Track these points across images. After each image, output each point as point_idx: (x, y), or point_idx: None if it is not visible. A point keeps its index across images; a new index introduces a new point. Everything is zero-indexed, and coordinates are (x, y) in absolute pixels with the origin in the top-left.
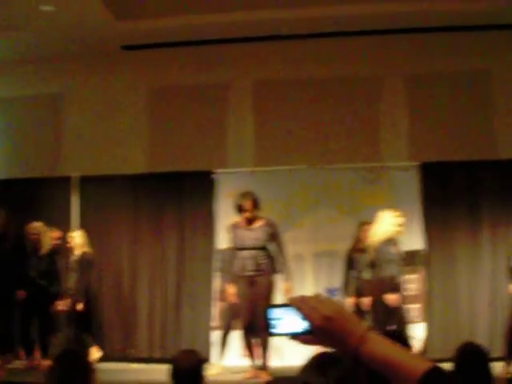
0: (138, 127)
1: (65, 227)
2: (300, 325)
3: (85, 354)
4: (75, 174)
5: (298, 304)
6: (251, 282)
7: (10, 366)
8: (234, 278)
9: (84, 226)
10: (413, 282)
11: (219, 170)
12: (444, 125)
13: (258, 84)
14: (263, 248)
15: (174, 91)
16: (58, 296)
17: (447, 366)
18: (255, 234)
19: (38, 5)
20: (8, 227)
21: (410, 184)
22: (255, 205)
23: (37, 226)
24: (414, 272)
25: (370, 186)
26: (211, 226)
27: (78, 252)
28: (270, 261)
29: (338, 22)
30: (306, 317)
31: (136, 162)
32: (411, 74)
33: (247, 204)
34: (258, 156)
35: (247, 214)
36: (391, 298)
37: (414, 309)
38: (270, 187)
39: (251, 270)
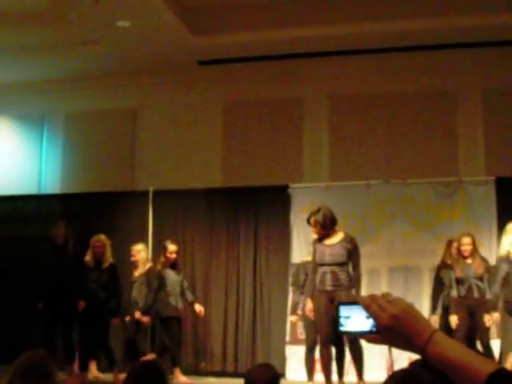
0: (214, 141)
1: (142, 241)
2: (368, 323)
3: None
4: (151, 187)
5: (367, 302)
6: (330, 297)
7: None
8: (314, 293)
9: (158, 240)
10: None
11: (295, 185)
12: None
13: (333, 98)
14: (342, 263)
15: (250, 106)
16: (116, 310)
17: None
18: (334, 250)
19: (115, 21)
20: (67, 239)
21: (487, 198)
22: (325, 221)
23: (102, 238)
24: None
25: (446, 200)
26: (286, 241)
27: (143, 266)
28: (349, 276)
29: (414, 35)
30: (373, 316)
31: (211, 177)
32: (487, 88)
33: (313, 220)
34: (334, 170)
35: (314, 230)
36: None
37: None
38: (345, 202)
39: (330, 285)
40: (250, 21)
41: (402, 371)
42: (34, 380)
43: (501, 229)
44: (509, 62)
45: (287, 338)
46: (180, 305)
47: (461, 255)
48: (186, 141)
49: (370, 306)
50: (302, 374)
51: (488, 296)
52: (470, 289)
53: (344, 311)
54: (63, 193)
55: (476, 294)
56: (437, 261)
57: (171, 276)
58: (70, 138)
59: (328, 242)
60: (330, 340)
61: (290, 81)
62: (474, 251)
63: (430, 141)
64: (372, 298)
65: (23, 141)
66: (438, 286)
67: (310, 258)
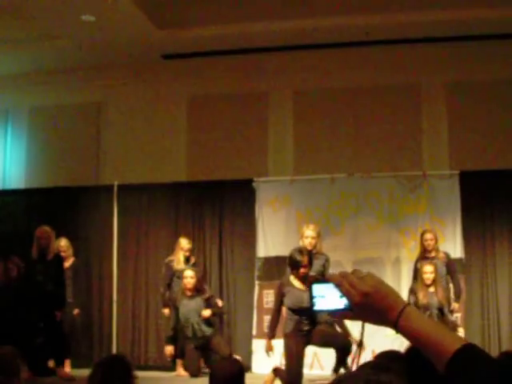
0: (178, 136)
1: (107, 235)
2: (341, 301)
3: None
4: (116, 182)
5: (338, 281)
6: (308, 339)
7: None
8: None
9: (122, 234)
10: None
11: (260, 179)
12: (484, 133)
13: (297, 93)
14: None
15: (215, 100)
16: (62, 303)
17: None
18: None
19: (79, 15)
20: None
21: (451, 192)
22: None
23: (46, 229)
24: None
25: (411, 194)
26: (252, 235)
27: (70, 260)
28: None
29: (378, 30)
30: (345, 293)
31: (176, 171)
32: (451, 82)
33: (305, 260)
34: (298, 164)
35: (303, 270)
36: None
37: (454, 317)
38: (309, 195)
39: (308, 327)
40: (214, 15)
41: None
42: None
43: (465, 222)
44: (472, 57)
45: (254, 332)
46: (201, 333)
47: (423, 282)
48: (151, 135)
49: (342, 284)
50: (268, 368)
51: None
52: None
53: (317, 290)
54: (27, 188)
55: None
56: (400, 253)
57: (184, 306)
58: (34, 132)
59: (300, 285)
60: (294, 382)
61: (255, 75)
62: (437, 279)
63: (395, 135)
64: (342, 275)
65: None
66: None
67: (273, 253)
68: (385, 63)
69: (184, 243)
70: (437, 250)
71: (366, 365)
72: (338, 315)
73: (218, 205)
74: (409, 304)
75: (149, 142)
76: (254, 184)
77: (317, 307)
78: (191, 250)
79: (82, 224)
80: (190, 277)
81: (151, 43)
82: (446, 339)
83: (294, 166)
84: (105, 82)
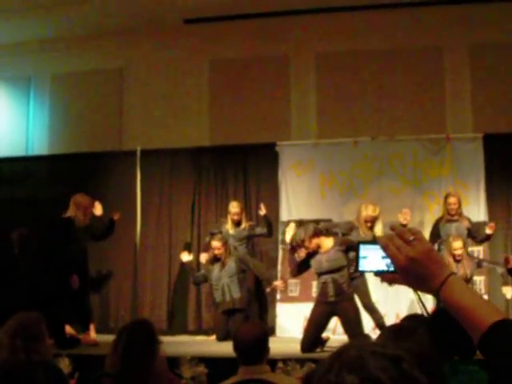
0: (201, 100)
1: (130, 200)
2: (386, 263)
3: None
4: (138, 147)
5: (384, 243)
6: (332, 311)
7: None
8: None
9: (145, 199)
10: (478, 254)
11: (282, 143)
12: (508, 96)
13: (320, 56)
14: (341, 268)
15: (236, 64)
16: None
17: None
18: (330, 255)
19: None
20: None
21: (474, 155)
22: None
23: (88, 198)
24: (479, 244)
25: (434, 157)
26: (275, 198)
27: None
28: (348, 280)
29: None
30: (390, 256)
31: (199, 136)
32: (475, 44)
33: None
34: (321, 128)
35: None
36: None
37: (477, 281)
38: (332, 159)
39: (333, 296)
40: None
41: (398, 325)
42: (23, 341)
43: (488, 186)
44: (496, 18)
45: (278, 296)
46: (231, 296)
47: (453, 258)
48: (173, 100)
49: (388, 246)
50: (292, 331)
51: None
52: None
53: (362, 250)
54: (50, 154)
55: None
56: (424, 217)
57: (215, 272)
58: (56, 99)
59: (321, 249)
60: (307, 348)
61: (277, 39)
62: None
63: (418, 98)
64: (390, 238)
65: (10, 103)
66: (433, 238)
67: (296, 217)
68: (407, 25)
69: (230, 207)
70: (460, 215)
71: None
72: (383, 276)
73: (241, 169)
74: (453, 273)
75: (171, 107)
76: (276, 148)
77: (361, 268)
78: (239, 214)
79: (105, 189)
80: (217, 248)
81: (173, 8)
82: (484, 311)
83: (317, 129)
84: (127, 47)
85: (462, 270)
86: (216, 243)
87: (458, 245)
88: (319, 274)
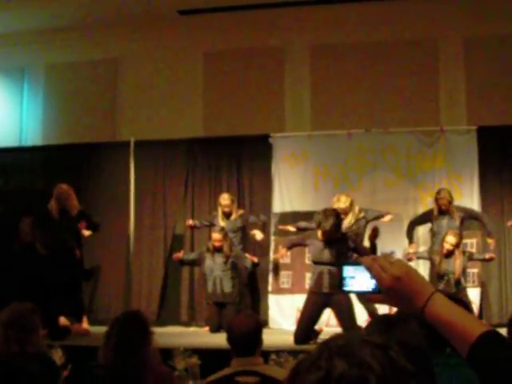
0: (195, 91)
1: (123, 191)
2: (370, 284)
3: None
4: (132, 138)
5: (369, 264)
6: (325, 302)
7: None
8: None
9: (139, 190)
10: (471, 247)
11: (276, 134)
12: (502, 88)
13: (314, 48)
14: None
15: (231, 55)
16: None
17: (502, 331)
18: (333, 248)
19: None
20: (34, 236)
21: (468, 148)
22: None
23: (64, 187)
24: (471, 236)
25: (428, 149)
26: (268, 190)
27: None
28: None
29: None
30: (376, 276)
31: (192, 127)
32: (469, 36)
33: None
34: (315, 120)
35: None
36: None
37: (470, 273)
38: (326, 151)
39: (327, 288)
40: None
41: (388, 315)
42: (17, 332)
43: (482, 178)
44: (491, 11)
45: (269, 288)
46: (222, 290)
47: (442, 249)
48: (167, 91)
49: (372, 266)
50: (284, 323)
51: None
52: (448, 282)
53: (348, 271)
54: (44, 144)
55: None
56: (418, 209)
57: (208, 261)
58: (50, 89)
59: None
60: (300, 339)
61: (271, 30)
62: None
63: (412, 90)
64: (374, 259)
65: (3, 93)
66: (418, 220)
67: (289, 209)
68: (402, 18)
69: (220, 199)
70: (452, 210)
71: (380, 318)
72: (367, 297)
73: (235, 160)
74: (437, 290)
75: (165, 98)
76: (270, 139)
77: (347, 288)
78: (229, 206)
79: (99, 180)
80: (217, 240)
81: None
82: (470, 324)
83: (311, 121)
84: (121, 38)
85: (453, 264)
86: (216, 235)
87: (450, 240)
88: (316, 263)
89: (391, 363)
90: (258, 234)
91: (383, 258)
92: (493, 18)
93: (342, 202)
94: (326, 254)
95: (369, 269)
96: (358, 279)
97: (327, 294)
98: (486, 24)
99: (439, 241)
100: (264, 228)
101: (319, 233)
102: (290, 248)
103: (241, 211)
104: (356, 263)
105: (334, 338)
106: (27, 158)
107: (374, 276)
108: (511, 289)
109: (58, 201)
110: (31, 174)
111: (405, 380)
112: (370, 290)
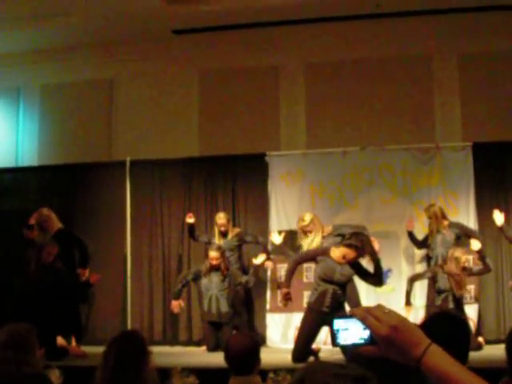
0: (190, 111)
1: (120, 211)
2: (363, 335)
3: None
4: (128, 158)
5: (362, 315)
6: (324, 320)
7: None
8: (309, 308)
9: (135, 210)
10: (467, 263)
11: (272, 153)
12: (497, 105)
13: (309, 66)
14: (346, 283)
15: (226, 74)
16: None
17: (501, 347)
18: (344, 269)
19: None
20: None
21: (464, 164)
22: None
23: (42, 212)
24: (468, 253)
25: (424, 166)
26: (265, 209)
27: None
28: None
29: (390, 2)
30: (370, 327)
31: (189, 146)
32: (464, 53)
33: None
34: (311, 138)
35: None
36: None
37: (468, 290)
38: (322, 169)
39: (328, 307)
40: None
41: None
42: (14, 352)
43: (478, 194)
44: (485, 28)
45: (267, 306)
46: (218, 309)
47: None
48: (163, 110)
49: (366, 318)
50: (282, 342)
51: None
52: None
53: (340, 324)
54: (40, 165)
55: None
56: (414, 226)
57: (204, 280)
58: (46, 110)
59: (336, 259)
60: (298, 358)
61: (266, 49)
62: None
63: (407, 107)
64: (367, 310)
65: None
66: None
67: (286, 227)
68: (396, 35)
69: (216, 218)
70: (444, 226)
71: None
72: (362, 350)
73: (231, 179)
74: (433, 343)
75: (161, 118)
76: (266, 158)
77: (340, 340)
78: (225, 225)
79: (95, 200)
80: (215, 258)
81: (161, 18)
82: (468, 380)
83: (307, 139)
84: (116, 58)
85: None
86: (214, 253)
87: (464, 257)
88: (324, 281)
89: None
90: (270, 265)
91: (376, 308)
92: (487, 34)
93: (301, 220)
94: (337, 275)
95: (362, 320)
96: (351, 330)
97: (326, 313)
98: (480, 41)
99: (435, 257)
100: (266, 252)
101: (341, 252)
102: (293, 273)
103: (237, 230)
104: (348, 316)
105: (309, 373)
106: (23, 178)
107: (368, 326)
108: (508, 305)
109: (39, 226)
110: (27, 194)
111: None
112: (365, 342)
